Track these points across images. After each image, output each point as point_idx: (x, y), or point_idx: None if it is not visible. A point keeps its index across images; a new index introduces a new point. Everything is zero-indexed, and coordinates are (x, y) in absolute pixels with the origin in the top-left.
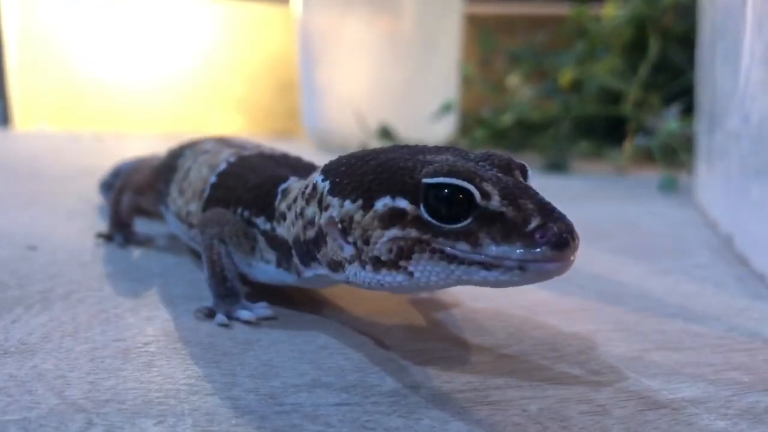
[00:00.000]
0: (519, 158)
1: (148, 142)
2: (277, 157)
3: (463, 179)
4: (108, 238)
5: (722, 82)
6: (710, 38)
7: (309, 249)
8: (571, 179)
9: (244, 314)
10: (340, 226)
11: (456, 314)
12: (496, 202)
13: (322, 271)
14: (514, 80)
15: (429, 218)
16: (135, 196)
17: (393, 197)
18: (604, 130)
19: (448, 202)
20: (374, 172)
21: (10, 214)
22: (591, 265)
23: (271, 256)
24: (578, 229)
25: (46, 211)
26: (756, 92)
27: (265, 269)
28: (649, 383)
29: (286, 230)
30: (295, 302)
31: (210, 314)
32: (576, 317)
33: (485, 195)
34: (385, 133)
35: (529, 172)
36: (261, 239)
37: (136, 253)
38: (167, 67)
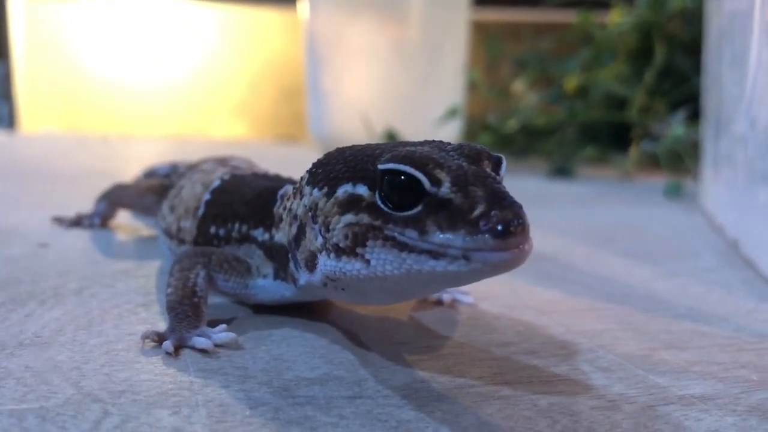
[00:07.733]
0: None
1: (153, 145)
2: (271, 177)
3: (414, 165)
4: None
5: (729, 87)
6: (717, 43)
7: (295, 247)
8: (577, 184)
9: (200, 341)
10: (310, 214)
11: (464, 313)
12: (445, 188)
13: (307, 274)
14: (519, 86)
15: (381, 204)
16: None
17: (354, 184)
18: (610, 135)
19: (400, 189)
20: (344, 161)
21: (21, 214)
22: (598, 267)
23: (268, 269)
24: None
25: (57, 211)
26: (763, 96)
27: (263, 284)
28: (659, 380)
29: (283, 234)
30: (305, 304)
31: (160, 340)
32: (584, 317)
33: (436, 182)
34: (391, 137)
35: (504, 165)
36: (258, 254)
37: (146, 251)
38: (172, 70)
